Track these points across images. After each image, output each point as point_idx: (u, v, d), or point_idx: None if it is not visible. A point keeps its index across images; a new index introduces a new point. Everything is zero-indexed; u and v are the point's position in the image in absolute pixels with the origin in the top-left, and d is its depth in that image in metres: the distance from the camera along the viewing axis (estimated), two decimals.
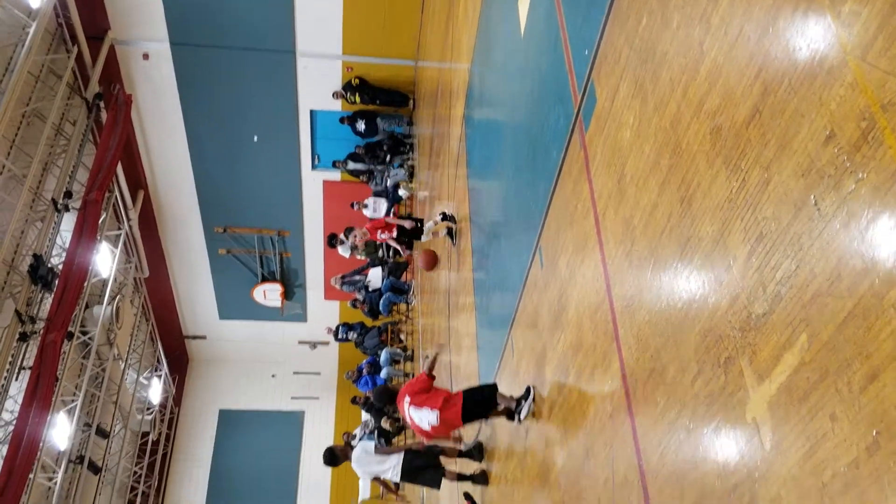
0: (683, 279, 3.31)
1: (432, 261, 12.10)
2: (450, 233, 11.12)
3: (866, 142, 2.17)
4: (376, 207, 17.11)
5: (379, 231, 12.84)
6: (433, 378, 6.90)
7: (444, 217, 11.22)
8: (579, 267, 4.79)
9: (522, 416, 6.10)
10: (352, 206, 17.67)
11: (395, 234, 12.64)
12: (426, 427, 6.71)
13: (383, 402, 8.57)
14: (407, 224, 12.49)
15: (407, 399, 6.81)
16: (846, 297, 2.24)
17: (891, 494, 2.06)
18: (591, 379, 4.56)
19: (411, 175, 18.02)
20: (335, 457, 8.20)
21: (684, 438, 3.30)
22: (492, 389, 6.71)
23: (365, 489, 16.82)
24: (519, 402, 6.19)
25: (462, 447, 8.21)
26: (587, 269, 4.63)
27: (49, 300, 13.60)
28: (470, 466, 8.48)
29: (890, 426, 2.07)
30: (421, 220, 12.30)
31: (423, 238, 12.13)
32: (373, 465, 8.31)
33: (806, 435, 2.42)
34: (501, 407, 6.56)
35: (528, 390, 6.07)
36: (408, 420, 6.98)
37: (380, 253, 16.77)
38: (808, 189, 2.42)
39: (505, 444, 7.08)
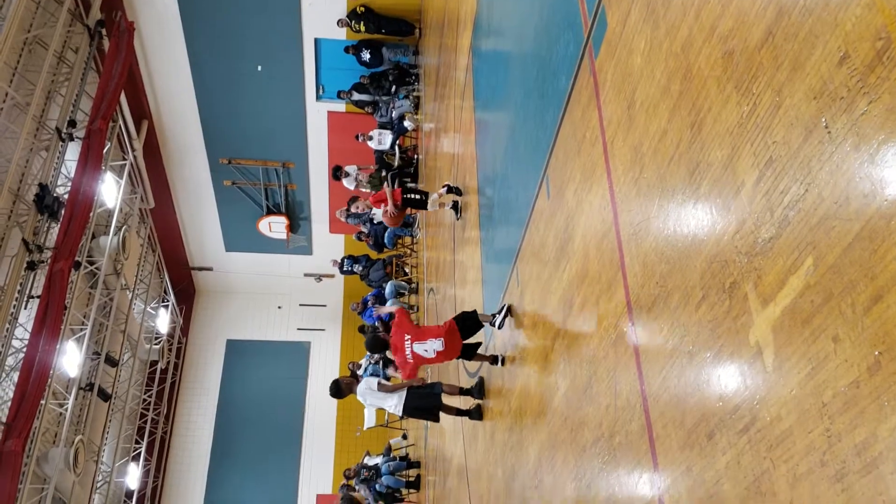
0: (691, 206, 3.31)
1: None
2: (454, 206, 10.99)
3: (881, 62, 2.14)
4: (381, 139, 17.00)
5: (383, 204, 12.38)
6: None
7: (449, 189, 11.09)
8: (586, 196, 4.78)
9: (498, 325, 7.11)
10: (356, 137, 17.57)
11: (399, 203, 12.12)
12: (432, 355, 7.40)
13: (377, 351, 8.70)
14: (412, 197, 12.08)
15: (408, 338, 7.43)
16: (853, 220, 2.24)
17: (890, 413, 2.10)
18: (595, 308, 4.61)
19: (417, 106, 17.85)
20: (340, 390, 8.33)
21: (687, 363, 3.35)
22: (473, 312, 7.64)
23: (370, 417, 17.16)
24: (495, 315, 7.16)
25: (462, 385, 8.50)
26: (594, 198, 4.63)
27: (56, 229, 13.66)
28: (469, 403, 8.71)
29: (892, 347, 2.10)
30: (426, 193, 11.99)
31: (429, 208, 11.92)
32: (376, 400, 8.51)
33: (808, 357, 2.46)
34: (487, 353, 7.57)
35: (504, 307, 7.04)
36: (408, 357, 7.28)
37: (384, 185, 16.70)
38: (819, 112, 2.40)
39: (507, 375, 7.18)
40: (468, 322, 7.62)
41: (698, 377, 3.25)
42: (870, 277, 2.18)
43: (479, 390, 8.34)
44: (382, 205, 11.64)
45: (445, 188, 11.14)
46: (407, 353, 7.45)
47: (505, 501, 6.95)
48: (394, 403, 8.40)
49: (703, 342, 3.19)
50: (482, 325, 7.62)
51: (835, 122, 2.32)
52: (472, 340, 7.79)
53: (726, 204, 3.00)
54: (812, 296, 2.44)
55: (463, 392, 8.66)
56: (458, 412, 8.76)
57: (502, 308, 7.11)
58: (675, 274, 3.44)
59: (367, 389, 8.49)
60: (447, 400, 8.85)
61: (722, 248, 3.03)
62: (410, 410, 8.60)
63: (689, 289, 3.30)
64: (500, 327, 7.17)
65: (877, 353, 2.14)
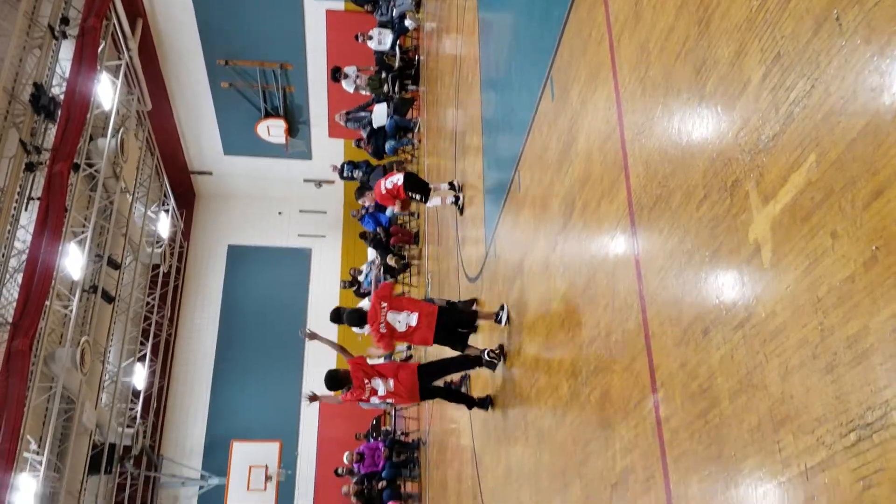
0: (696, 104, 3.28)
1: None
2: (456, 201, 10.75)
3: None
4: (381, 39, 16.64)
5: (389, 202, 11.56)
6: None
7: (451, 186, 10.81)
8: (591, 96, 4.73)
9: (504, 321, 6.88)
10: (356, 38, 17.19)
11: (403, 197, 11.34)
12: (403, 328, 7.12)
13: (355, 324, 8.16)
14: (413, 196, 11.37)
15: (384, 305, 7.17)
16: (859, 115, 2.23)
17: (883, 306, 2.15)
18: (597, 210, 4.62)
19: (418, 5, 17.39)
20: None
21: (686, 263, 3.39)
22: (465, 307, 7.61)
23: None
24: (498, 315, 7.01)
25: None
26: (599, 98, 4.58)
27: (53, 131, 13.55)
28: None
29: (889, 241, 2.12)
30: (427, 191, 11.21)
31: (429, 204, 11.45)
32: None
33: (806, 253, 2.49)
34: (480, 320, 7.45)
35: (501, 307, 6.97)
36: (382, 327, 7.17)
37: (384, 88, 16.47)
38: (831, 4, 2.36)
39: (506, 280, 7.26)
40: (453, 316, 7.49)
41: (696, 276, 3.29)
42: (871, 173, 2.18)
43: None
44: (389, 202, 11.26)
45: (448, 185, 10.89)
46: (381, 322, 7.18)
47: (502, 400, 7.14)
48: None
49: (702, 241, 3.21)
50: (469, 328, 7.50)
51: (846, 14, 2.28)
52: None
53: (732, 101, 2.97)
54: (813, 192, 2.45)
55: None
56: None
57: (502, 306, 7.01)
58: (678, 173, 3.44)
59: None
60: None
61: (725, 146, 3.02)
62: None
63: (690, 188, 3.31)
64: (506, 322, 6.95)
65: (874, 247, 2.17)
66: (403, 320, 7.13)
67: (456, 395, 8.21)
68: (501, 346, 7.17)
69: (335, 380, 7.40)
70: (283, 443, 20.51)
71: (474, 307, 8.19)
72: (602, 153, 4.52)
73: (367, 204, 12.43)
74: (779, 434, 2.60)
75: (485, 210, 8.69)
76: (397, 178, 10.88)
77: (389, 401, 7.63)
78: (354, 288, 17.91)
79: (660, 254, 3.67)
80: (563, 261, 5.36)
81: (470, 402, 7.80)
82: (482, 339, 8.21)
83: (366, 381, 7.17)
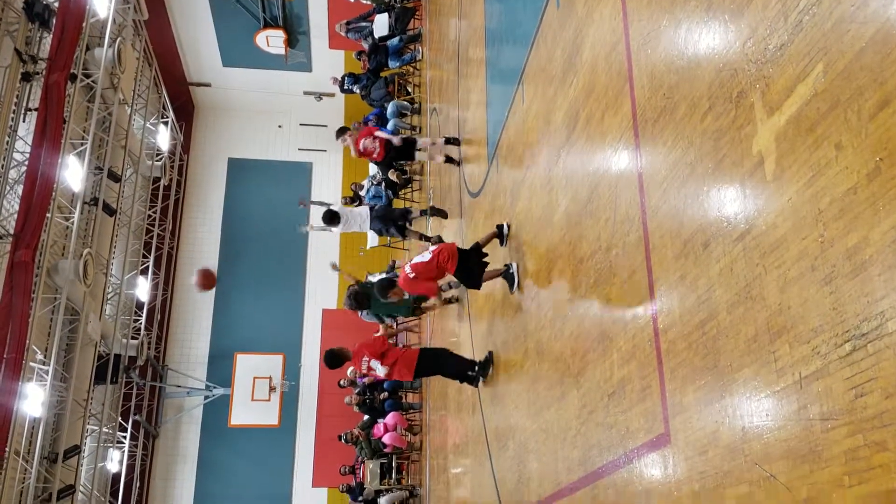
0: (704, 13, 3.21)
1: (206, 282, 11.49)
2: (449, 159, 10.27)
3: None
4: None
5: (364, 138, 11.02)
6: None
7: (448, 141, 10.27)
8: (597, 5, 4.63)
9: (513, 282, 6.69)
10: None
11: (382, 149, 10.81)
12: (426, 258, 7.23)
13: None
14: (395, 140, 10.81)
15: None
16: (869, 23, 2.19)
17: (884, 217, 2.15)
18: (601, 122, 4.58)
19: None
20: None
21: (688, 175, 3.38)
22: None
23: (373, 239, 17.42)
24: (508, 276, 6.79)
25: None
26: (605, 7, 4.48)
27: (48, 40, 13.29)
28: None
29: (893, 153, 2.11)
30: (414, 141, 10.85)
31: (417, 158, 10.96)
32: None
33: (809, 165, 2.48)
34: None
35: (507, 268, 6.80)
36: (409, 273, 7.27)
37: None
38: None
39: (509, 194, 7.24)
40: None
41: (699, 189, 3.28)
42: (879, 83, 2.15)
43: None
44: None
45: (444, 140, 10.46)
46: (407, 270, 7.26)
47: (502, 312, 7.23)
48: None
49: (706, 153, 3.20)
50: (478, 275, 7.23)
51: None
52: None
53: (740, 10, 2.91)
54: (818, 103, 2.42)
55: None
56: None
57: (508, 265, 6.85)
58: (683, 85, 3.40)
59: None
60: None
61: (732, 56, 2.97)
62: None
63: (695, 99, 3.27)
64: (516, 285, 6.70)
65: (878, 158, 2.16)
66: (422, 258, 7.32)
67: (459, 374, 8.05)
68: (490, 353, 7.54)
69: (335, 357, 7.60)
70: (287, 355, 20.85)
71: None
72: (607, 64, 4.45)
73: (347, 143, 11.97)
74: (775, 345, 2.65)
75: (488, 124, 8.61)
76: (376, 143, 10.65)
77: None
78: (356, 203, 17.88)
79: (663, 166, 3.65)
80: (565, 174, 5.34)
81: (472, 380, 7.84)
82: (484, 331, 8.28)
83: (365, 357, 7.44)
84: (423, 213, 11.88)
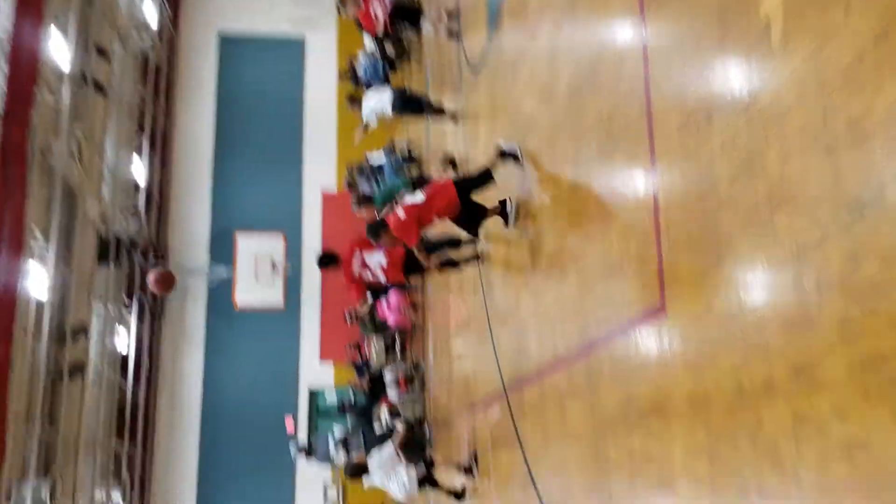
0: None
1: (164, 283, 11.27)
2: (451, 33, 9.84)
3: None
4: None
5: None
6: None
7: (451, 16, 9.85)
8: None
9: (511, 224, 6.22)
10: None
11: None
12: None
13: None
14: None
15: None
16: None
17: (889, 85, 2.11)
18: None
19: None
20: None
21: (694, 45, 3.31)
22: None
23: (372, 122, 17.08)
24: (503, 213, 6.26)
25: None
26: None
27: None
28: None
29: None
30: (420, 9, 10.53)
31: (424, 31, 10.69)
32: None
33: (816, 31, 2.42)
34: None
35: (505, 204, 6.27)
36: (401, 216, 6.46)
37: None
38: None
39: (511, 69, 7.08)
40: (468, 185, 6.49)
41: (703, 60, 3.22)
42: None
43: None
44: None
45: (447, 15, 10.06)
46: (400, 213, 6.39)
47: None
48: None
49: (712, 22, 3.11)
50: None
51: None
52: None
53: None
54: None
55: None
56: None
57: (505, 202, 6.29)
58: None
59: None
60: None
61: None
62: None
63: None
64: (514, 220, 6.24)
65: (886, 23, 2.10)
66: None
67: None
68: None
69: (326, 256, 7.74)
70: (288, 235, 20.94)
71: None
72: None
73: (350, 14, 11.69)
74: (775, 216, 2.66)
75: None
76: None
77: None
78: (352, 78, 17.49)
79: (668, 37, 3.57)
80: (568, 46, 5.21)
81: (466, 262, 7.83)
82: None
83: (357, 249, 7.42)
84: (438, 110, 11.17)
